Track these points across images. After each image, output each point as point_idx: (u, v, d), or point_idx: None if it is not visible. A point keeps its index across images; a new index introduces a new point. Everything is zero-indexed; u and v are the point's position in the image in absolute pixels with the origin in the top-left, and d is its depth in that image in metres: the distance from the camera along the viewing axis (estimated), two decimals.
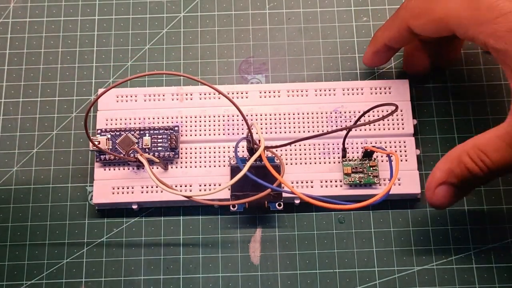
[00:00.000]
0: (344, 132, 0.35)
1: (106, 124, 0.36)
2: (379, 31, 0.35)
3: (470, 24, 0.28)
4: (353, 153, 0.36)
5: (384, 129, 0.36)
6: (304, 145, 0.36)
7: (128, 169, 0.36)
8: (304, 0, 0.41)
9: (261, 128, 0.36)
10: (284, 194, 0.34)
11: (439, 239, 0.36)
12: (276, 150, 0.35)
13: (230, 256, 0.36)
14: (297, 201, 0.36)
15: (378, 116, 0.36)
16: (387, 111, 0.36)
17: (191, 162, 0.36)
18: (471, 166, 0.29)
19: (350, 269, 0.35)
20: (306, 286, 0.35)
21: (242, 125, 0.36)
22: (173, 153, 0.35)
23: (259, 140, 0.32)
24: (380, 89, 0.37)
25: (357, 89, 0.37)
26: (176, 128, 0.36)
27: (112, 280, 0.35)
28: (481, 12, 0.27)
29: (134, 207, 0.36)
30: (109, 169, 0.36)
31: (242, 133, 0.36)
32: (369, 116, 0.36)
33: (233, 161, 0.35)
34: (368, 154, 0.35)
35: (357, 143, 0.36)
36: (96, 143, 0.34)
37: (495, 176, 0.29)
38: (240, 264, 0.35)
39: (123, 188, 0.35)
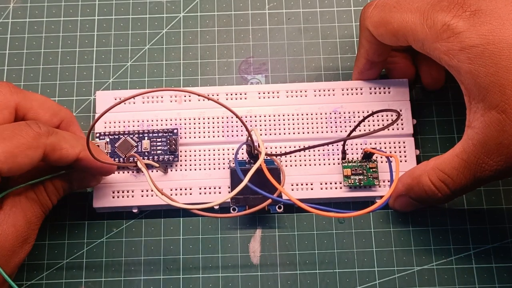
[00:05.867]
0: (344, 134, 0.35)
1: (105, 127, 0.36)
2: (358, 51, 0.36)
3: (426, 40, 0.29)
4: (352, 154, 0.36)
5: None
6: (304, 146, 0.36)
7: (128, 172, 0.36)
8: (304, 0, 0.41)
9: (260, 130, 0.36)
10: (284, 196, 0.34)
11: (439, 239, 0.36)
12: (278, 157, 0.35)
13: (230, 256, 0.36)
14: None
15: (378, 117, 0.36)
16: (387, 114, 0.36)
17: (190, 165, 0.36)
18: (428, 189, 0.31)
19: (350, 269, 0.35)
20: (306, 286, 0.35)
21: (242, 126, 0.36)
22: (172, 156, 0.35)
23: (259, 145, 0.32)
24: (380, 89, 0.37)
25: (357, 89, 0.37)
26: (175, 131, 0.36)
27: (112, 280, 0.35)
28: (436, 30, 0.28)
29: (135, 211, 0.36)
30: None
31: (242, 135, 0.36)
32: (369, 121, 0.36)
33: (233, 163, 0.35)
34: (367, 156, 0.35)
35: (356, 144, 0.36)
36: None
37: (454, 196, 0.30)
38: (240, 264, 0.36)
39: (123, 192, 0.35)
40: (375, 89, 0.37)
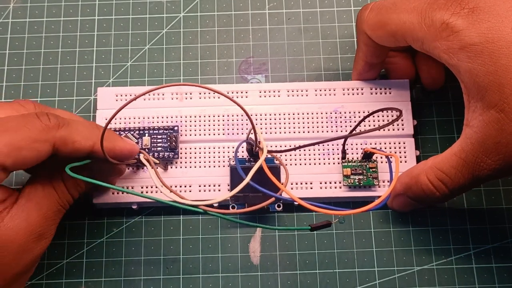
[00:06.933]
0: (345, 134, 0.35)
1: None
2: (356, 54, 0.36)
3: (425, 39, 0.29)
4: (352, 154, 0.36)
5: (383, 130, 0.36)
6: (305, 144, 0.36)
7: (128, 169, 0.36)
8: (304, 0, 0.41)
9: (261, 129, 0.36)
10: (284, 195, 0.34)
11: (439, 239, 0.36)
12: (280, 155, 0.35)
13: (230, 256, 0.36)
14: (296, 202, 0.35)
15: (379, 117, 0.36)
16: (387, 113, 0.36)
17: (190, 162, 0.36)
18: (426, 188, 0.30)
19: (350, 269, 0.35)
20: (306, 286, 0.35)
21: (242, 124, 0.36)
22: (172, 153, 0.35)
23: (259, 142, 0.32)
24: (380, 89, 0.37)
25: (357, 89, 0.37)
26: (175, 128, 0.36)
27: (112, 280, 0.35)
28: (435, 29, 0.28)
29: (134, 207, 0.36)
30: None
31: (242, 133, 0.36)
32: (369, 121, 0.36)
33: (233, 161, 0.35)
34: (367, 156, 0.35)
35: (356, 144, 0.36)
36: None
37: (452, 196, 0.30)
38: (240, 264, 0.36)
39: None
40: (375, 89, 0.37)
